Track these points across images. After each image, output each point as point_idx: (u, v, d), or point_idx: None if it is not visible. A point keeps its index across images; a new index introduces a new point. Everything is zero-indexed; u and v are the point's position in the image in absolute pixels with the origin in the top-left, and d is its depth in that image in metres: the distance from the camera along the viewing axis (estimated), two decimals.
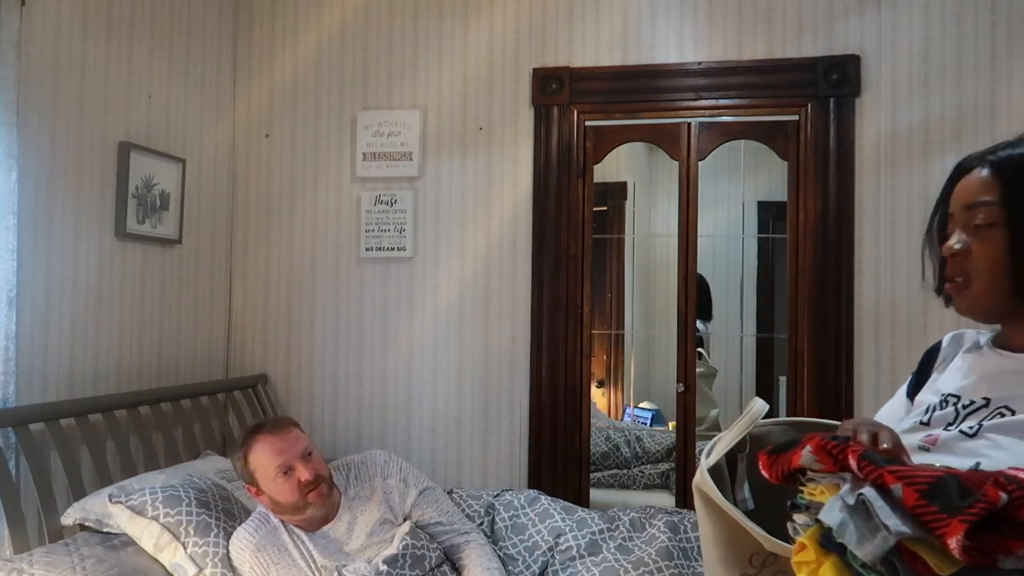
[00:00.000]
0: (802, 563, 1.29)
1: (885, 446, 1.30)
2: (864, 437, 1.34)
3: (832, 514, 1.23)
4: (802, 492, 1.39)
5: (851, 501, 1.21)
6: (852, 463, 1.26)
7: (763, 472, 1.48)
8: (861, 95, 4.02)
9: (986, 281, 1.50)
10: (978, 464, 1.28)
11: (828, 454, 1.31)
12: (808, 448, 1.35)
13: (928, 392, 1.64)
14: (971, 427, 1.42)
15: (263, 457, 3.00)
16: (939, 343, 1.74)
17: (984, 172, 1.53)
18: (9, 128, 3.11)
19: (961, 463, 1.29)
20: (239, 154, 4.67)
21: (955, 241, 1.55)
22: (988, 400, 1.44)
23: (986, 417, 1.42)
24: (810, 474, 1.36)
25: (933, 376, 1.69)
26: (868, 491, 1.19)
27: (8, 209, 3.12)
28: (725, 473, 2.36)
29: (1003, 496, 1.08)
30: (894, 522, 1.13)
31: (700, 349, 4.56)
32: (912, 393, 1.74)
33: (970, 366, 1.55)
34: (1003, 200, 1.49)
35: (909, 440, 1.53)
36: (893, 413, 1.75)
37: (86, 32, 3.56)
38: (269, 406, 4.45)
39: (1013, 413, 1.39)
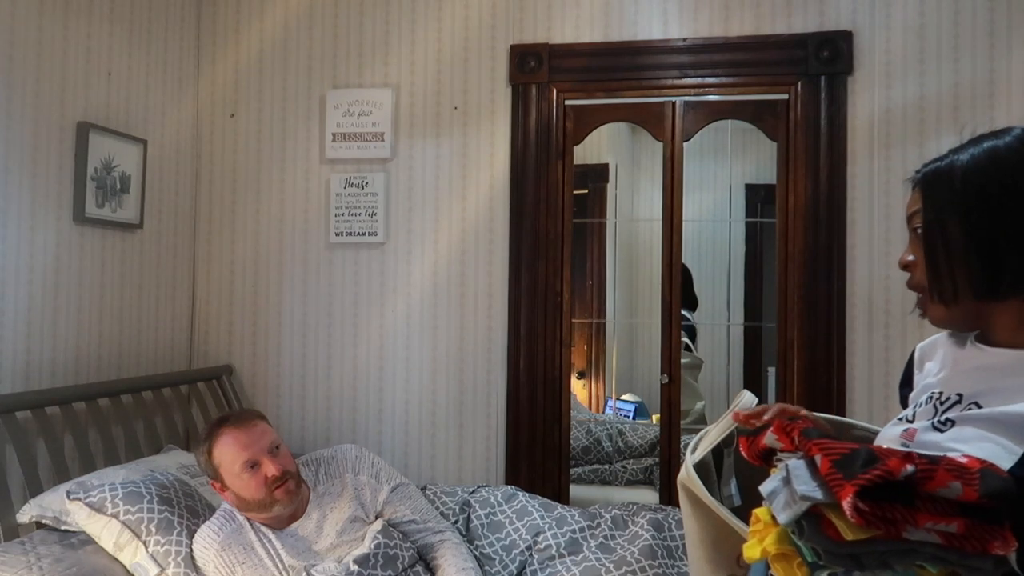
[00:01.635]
0: (754, 532, 1.42)
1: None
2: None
3: (768, 484, 1.37)
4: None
5: (784, 473, 1.34)
6: (795, 438, 1.41)
7: (743, 453, 1.64)
8: (853, 73, 4.04)
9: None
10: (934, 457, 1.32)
11: (785, 433, 1.46)
12: (771, 428, 1.51)
13: (918, 389, 1.68)
14: (943, 422, 1.49)
15: (228, 451, 2.99)
16: (911, 355, 1.81)
17: (913, 186, 1.65)
18: None
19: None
20: (203, 135, 4.67)
21: (905, 253, 1.66)
22: (961, 396, 1.51)
23: (957, 412, 1.46)
24: (779, 454, 1.52)
25: (918, 376, 1.73)
26: (793, 462, 1.33)
27: None
28: (711, 469, 2.38)
29: (907, 468, 1.18)
30: (804, 488, 1.26)
31: (686, 339, 4.57)
32: (903, 402, 1.79)
33: (953, 361, 1.61)
34: (924, 207, 1.59)
35: (891, 434, 1.62)
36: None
37: (43, 7, 3.55)
38: (234, 398, 4.46)
39: (981, 408, 1.44)
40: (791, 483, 1.29)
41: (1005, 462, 1.27)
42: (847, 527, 1.21)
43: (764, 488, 1.36)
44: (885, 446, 1.50)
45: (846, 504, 1.17)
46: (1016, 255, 1.45)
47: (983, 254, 1.48)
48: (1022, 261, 1.45)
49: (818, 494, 1.24)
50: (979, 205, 1.49)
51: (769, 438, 1.51)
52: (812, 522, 1.26)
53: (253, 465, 2.97)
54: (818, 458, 1.27)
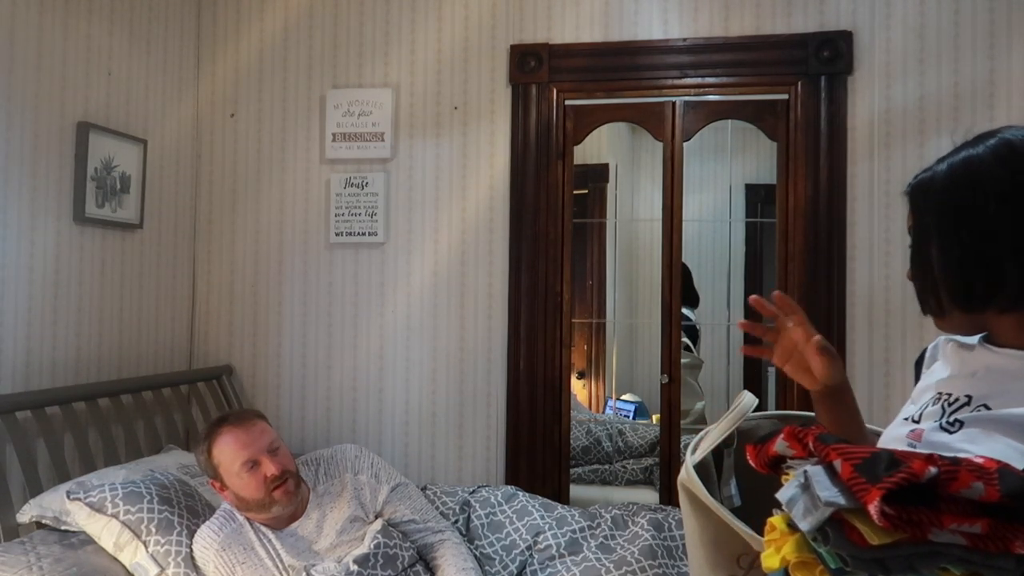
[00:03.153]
0: (771, 541, 1.39)
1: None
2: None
3: (786, 492, 1.34)
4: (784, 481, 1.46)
5: (803, 479, 1.31)
6: (811, 444, 1.38)
7: (750, 462, 1.58)
8: (853, 73, 4.03)
9: None
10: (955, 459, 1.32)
11: (797, 439, 1.43)
12: (781, 435, 1.48)
13: (923, 388, 1.68)
14: (951, 422, 1.48)
15: (227, 451, 2.99)
16: (924, 351, 1.80)
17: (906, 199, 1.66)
18: None
19: None
20: (203, 135, 4.65)
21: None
22: (970, 397, 1.50)
23: (966, 414, 1.46)
24: (789, 461, 1.47)
25: (926, 374, 1.73)
26: (812, 468, 1.31)
27: None
28: (712, 469, 2.38)
29: (931, 470, 1.17)
30: (826, 494, 1.24)
31: (686, 340, 4.56)
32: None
33: (961, 362, 1.60)
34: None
35: (897, 434, 1.60)
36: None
37: (43, 7, 3.54)
38: (234, 398, 4.45)
39: (990, 410, 1.44)
40: (811, 489, 1.27)
41: (1017, 463, 1.26)
42: (872, 531, 1.19)
43: (782, 495, 1.34)
44: (892, 447, 1.50)
45: (873, 508, 1.16)
46: (983, 268, 1.47)
47: (956, 268, 1.50)
48: (989, 275, 1.47)
49: (841, 499, 1.22)
50: (954, 219, 1.50)
51: (779, 445, 1.48)
52: (836, 528, 1.24)
53: (252, 464, 2.96)
54: (838, 463, 1.25)
